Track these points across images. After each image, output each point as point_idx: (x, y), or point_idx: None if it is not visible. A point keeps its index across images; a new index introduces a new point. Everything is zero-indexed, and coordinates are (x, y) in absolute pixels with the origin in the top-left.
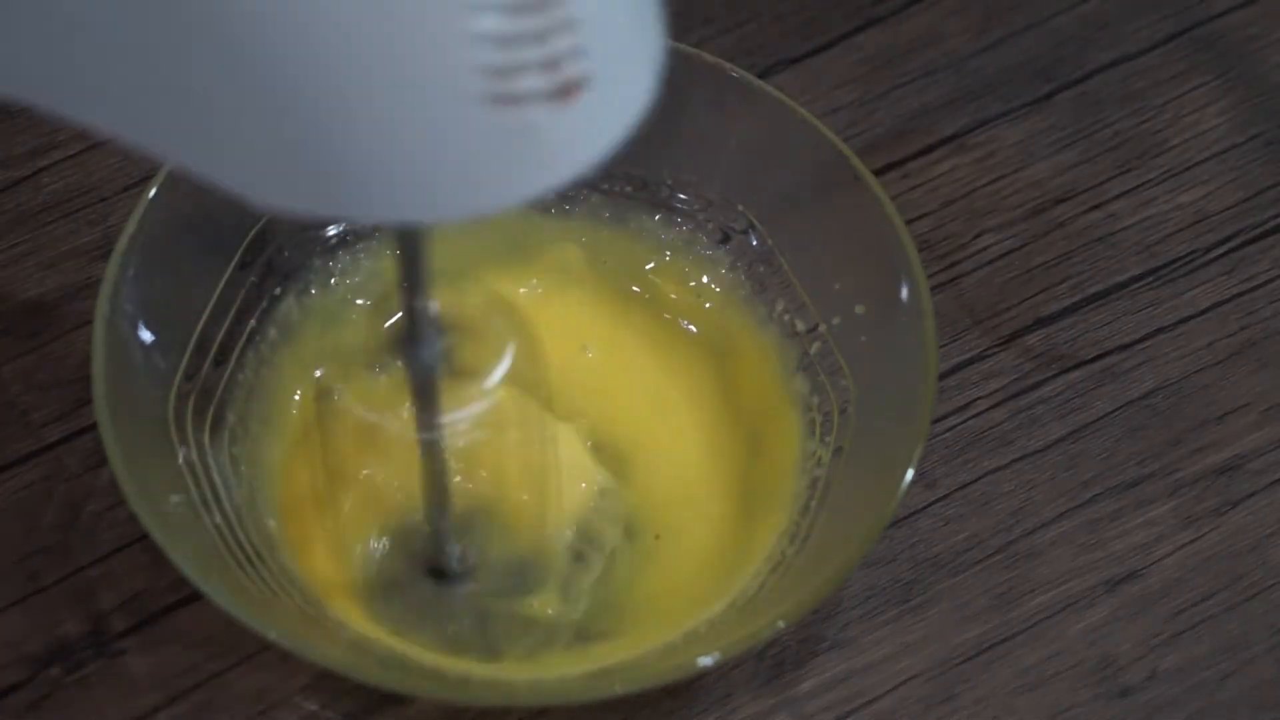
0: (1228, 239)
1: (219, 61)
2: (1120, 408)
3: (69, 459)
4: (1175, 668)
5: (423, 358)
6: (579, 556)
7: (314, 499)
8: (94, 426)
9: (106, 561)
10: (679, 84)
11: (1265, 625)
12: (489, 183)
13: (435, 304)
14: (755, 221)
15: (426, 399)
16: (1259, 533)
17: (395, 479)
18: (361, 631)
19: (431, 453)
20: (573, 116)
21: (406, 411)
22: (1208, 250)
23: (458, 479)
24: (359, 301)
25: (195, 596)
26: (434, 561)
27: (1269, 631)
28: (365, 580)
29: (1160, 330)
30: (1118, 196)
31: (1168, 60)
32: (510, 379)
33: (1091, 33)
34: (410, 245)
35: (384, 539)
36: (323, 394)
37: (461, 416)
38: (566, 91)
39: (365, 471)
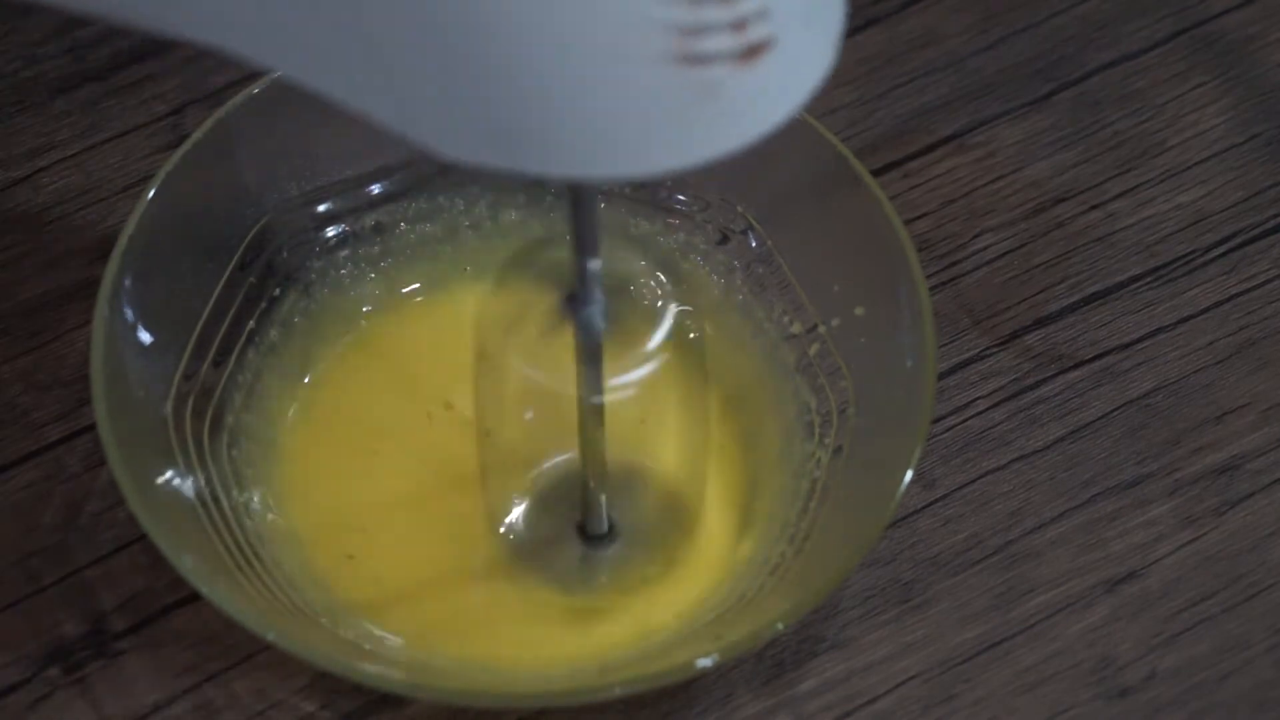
0: (1227, 239)
1: (414, 14)
2: (1119, 408)
3: (69, 459)
4: (1175, 668)
5: (592, 318)
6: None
7: (315, 497)
8: (93, 427)
9: (106, 562)
10: None
11: (1265, 625)
12: (672, 142)
13: (599, 265)
14: (754, 222)
15: (594, 360)
16: (1258, 533)
17: (550, 440)
18: (367, 630)
19: (594, 415)
20: (757, 77)
21: (570, 373)
22: (1207, 250)
23: (616, 442)
24: (365, 310)
25: (194, 597)
26: (583, 522)
27: (1268, 631)
28: (513, 539)
29: (1160, 330)
30: (1117, 196)
31: (1167, 60)
32: (668, 342)
33: (1091, 32)
34: (583, 204)
35: (533, 498)
36: (482, 355)
37: (627, 380)
38: (752, 52)
39: (521, 430)
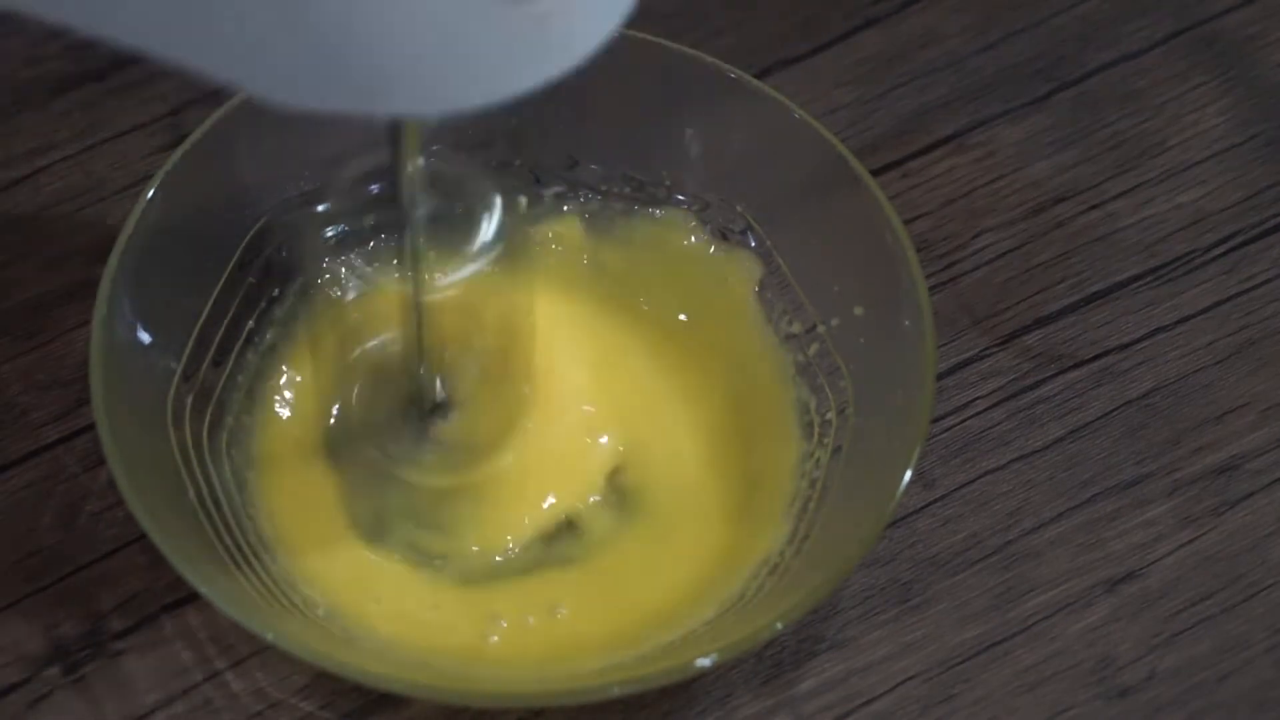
0: (1227, 239)
1: None
2: (1119, 407)
3: (68, 459)
4: (1174, 668)
5: (413, 214)
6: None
7: (310, 495)
8: (93, 427)
9: (105, 561)
10: (678, 84)
11: (1264, 625)
12: (500, 74)
13: (422, 166)
14: (754, 222)
15: (415, 255)
16: (1258, 532)
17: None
18: (363, 627)
19: (417, 305)
20: (577, 5)
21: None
22: (1207, 250)
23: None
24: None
25: (194, 596)
26: (415, 399)
27: (1268, 631)
28: (355, 419)
29: (1159, 330)
30: (1117, 196)
31: (1167, 60)
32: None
33: (1091, 32)
34: (406, 135)
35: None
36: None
37: (452, 279)
38: None
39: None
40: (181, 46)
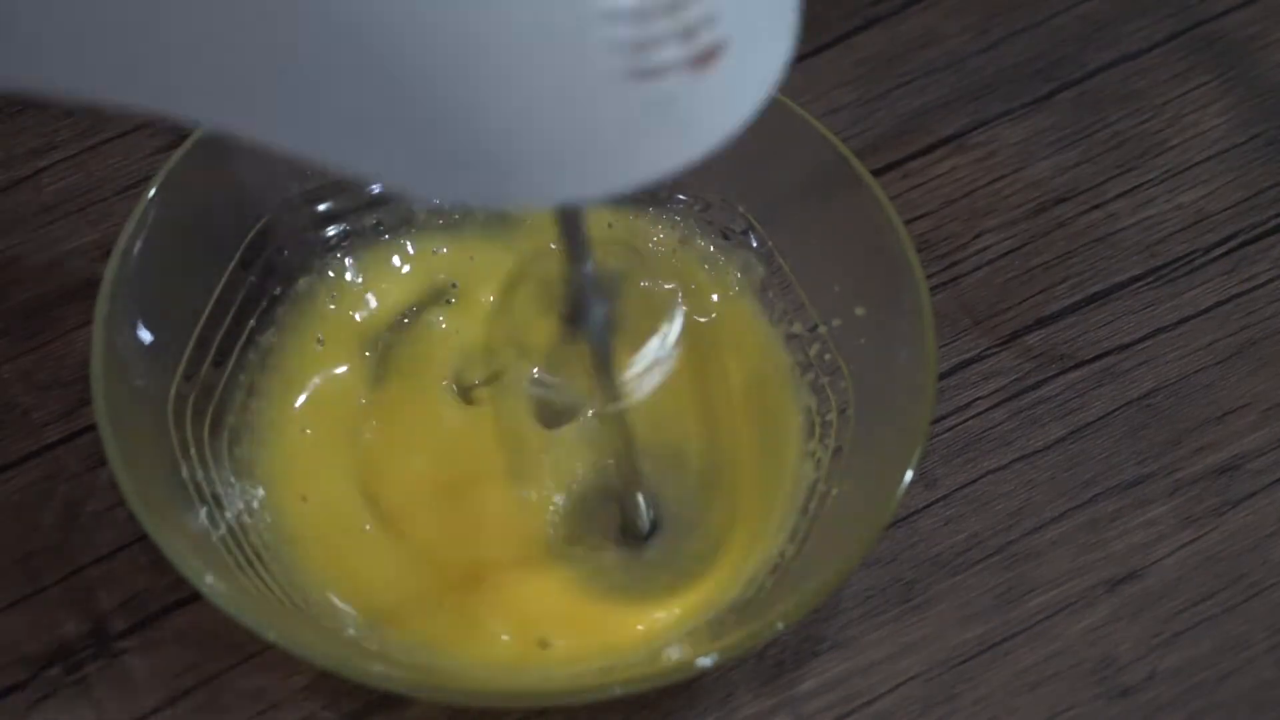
0: (1228, 239)
1: (361, 65)
2: (1120, 408)
3: (69, 459)
4: (1175, 667)
5: (596, 325)
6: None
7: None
8: (94, 426)
9: (107, 561)
10: None
11: (1265, 625)
12: (635, 158)
13: (592, 272)
14: (754, 222)
15: (604, 368)
16: (1259, 532)
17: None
18: (366, 629)
19: (617, 423)
20: (712, 84)
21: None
22: (1208, 250)
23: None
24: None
25: (195, 596)
26: (626, 524)
27: (1269, 631)
28: (556, 545)
29: (1160, 330)
30: (1118, 196)
31: (1168, 60)
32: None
33: (1091, 32)
34: (569, 219)
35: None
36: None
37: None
38: (705, 59)
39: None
40: (313, 144)
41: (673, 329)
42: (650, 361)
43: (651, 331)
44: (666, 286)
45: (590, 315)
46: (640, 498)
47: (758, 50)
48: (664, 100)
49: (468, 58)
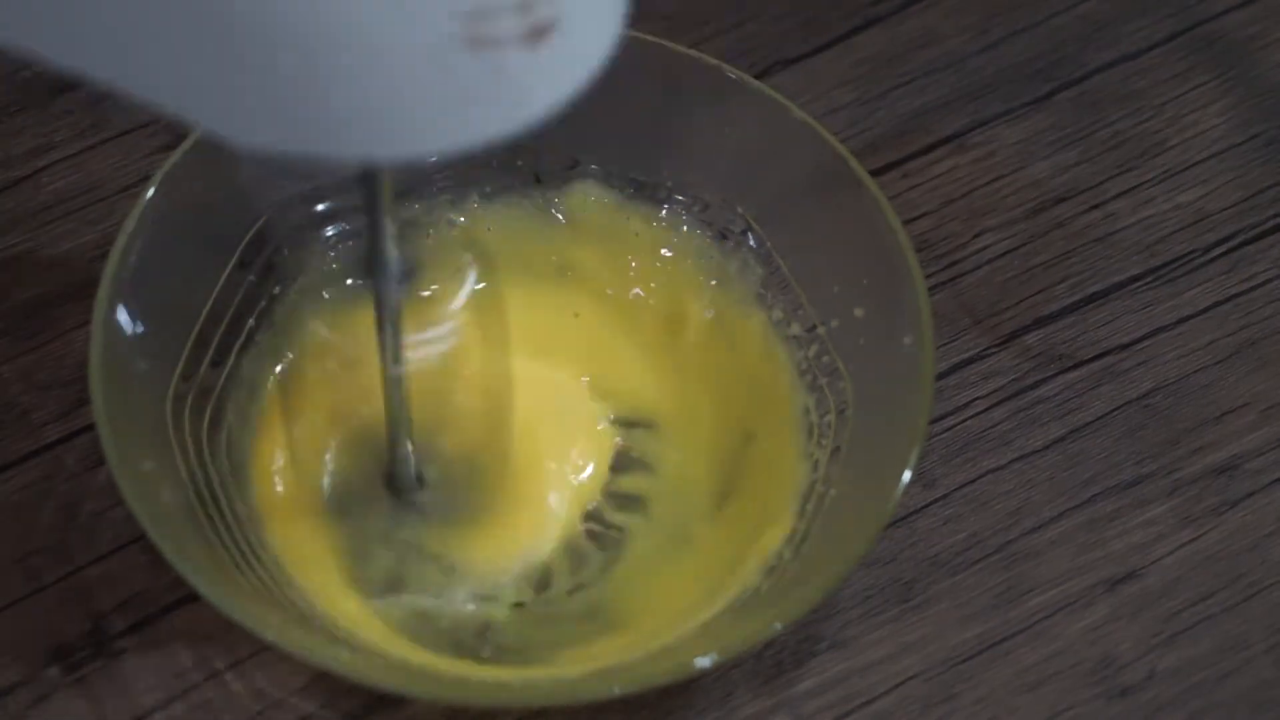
0: (1227, 239)
1: (197, 8)
2: (1119, 407)
3: (68, 459)
4: (1174, 667)
5: (388, 281)
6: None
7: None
8: (93, 426)
9: (105, 561)
10: (678, 85)
11: (1264, 625)
12: (460, 122)
13: (393, 229)
14: (753, 222)
15: (392, 323)
16: (1258, 532)
17: (357, 400)
18: (355, 627)
19: (394, 380)
20: (543, 58)
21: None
22: (1207, 250)
23: (423, 401)
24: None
25: (194, 596)
26: (393, 478)
27: (1268, 631)
28: (325, 494)
29: (1159, 330)
30: (1117, 196)
31: (1167, 60)
32: (472, 309)
33: (1091, 32)
34: (374, 181)
35: (343, 456)
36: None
37: (426, 337)
38: (538, 34)
39: (330, 393)
40: (140, 80)
41: (460, 296)
42: (438, 329)
43: (444, 296)
44: (465, 256)
45: (385, 269)
46: (409, 448)
47: (588, 29)
48: (494, 70)
49: (311, 3)
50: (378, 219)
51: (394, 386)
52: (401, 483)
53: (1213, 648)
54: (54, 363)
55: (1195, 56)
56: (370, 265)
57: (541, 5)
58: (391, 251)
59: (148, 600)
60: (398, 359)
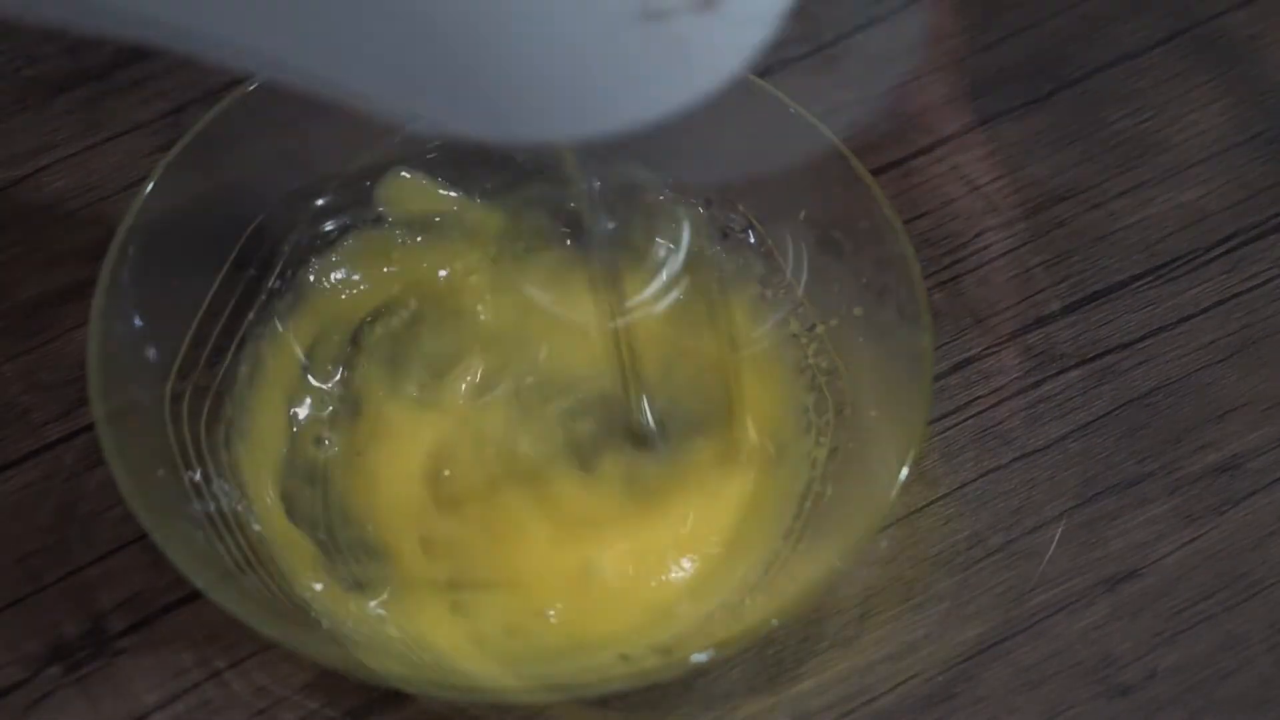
0: (1228, 238)
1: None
2: (1120, 406)
3: (68, 458)
4: (1175, 666)
5: (602, 238)
6: None
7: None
8: (93, 426)
9: (105, 561)
10: None
11: (1265, 624)
12: (643, 96)
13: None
14: (755, 221)
15: (612, 279)
16: (1259, 531)
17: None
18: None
19: (625, 334)
20: (716, 25)
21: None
22: (1208, 249)
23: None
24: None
25: (194, 595)
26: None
27: (1269, 630)
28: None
29: (1160, 329)
30: (1118, 195)
31: (1168, 59)
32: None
33: (1091, 32)
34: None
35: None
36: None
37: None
38: (709, 1)
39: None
40: (332, 73)
41: (680, 250)
42: (657, 281)
43: (658, 251)
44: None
45: (597, 229)
46: (645, 402)
47: None
48: (671, 40)
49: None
50: (581, 185)
51: (617, 341)
52: (644, 432)
53: (1214, 647)
54: (54, 362)
55: (1196, 56)
56: (583, 228)
57: None
58: (599, 213)
59: (148, 599)
60: (620, 310)
